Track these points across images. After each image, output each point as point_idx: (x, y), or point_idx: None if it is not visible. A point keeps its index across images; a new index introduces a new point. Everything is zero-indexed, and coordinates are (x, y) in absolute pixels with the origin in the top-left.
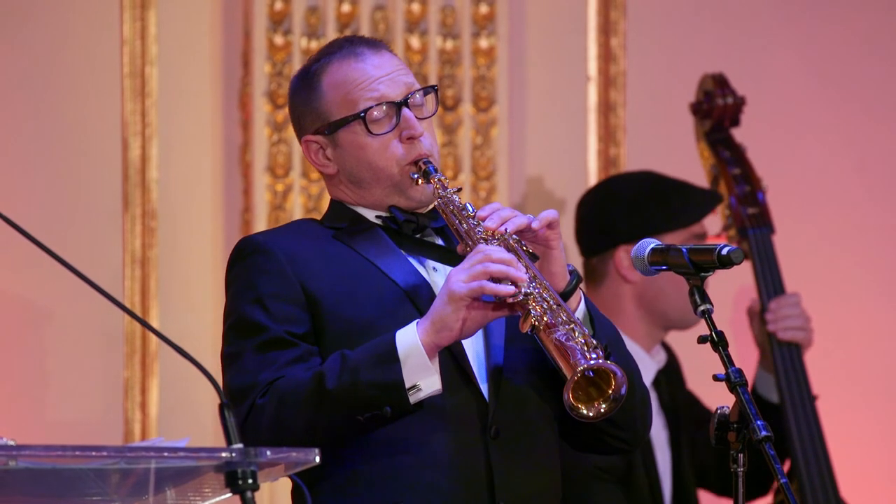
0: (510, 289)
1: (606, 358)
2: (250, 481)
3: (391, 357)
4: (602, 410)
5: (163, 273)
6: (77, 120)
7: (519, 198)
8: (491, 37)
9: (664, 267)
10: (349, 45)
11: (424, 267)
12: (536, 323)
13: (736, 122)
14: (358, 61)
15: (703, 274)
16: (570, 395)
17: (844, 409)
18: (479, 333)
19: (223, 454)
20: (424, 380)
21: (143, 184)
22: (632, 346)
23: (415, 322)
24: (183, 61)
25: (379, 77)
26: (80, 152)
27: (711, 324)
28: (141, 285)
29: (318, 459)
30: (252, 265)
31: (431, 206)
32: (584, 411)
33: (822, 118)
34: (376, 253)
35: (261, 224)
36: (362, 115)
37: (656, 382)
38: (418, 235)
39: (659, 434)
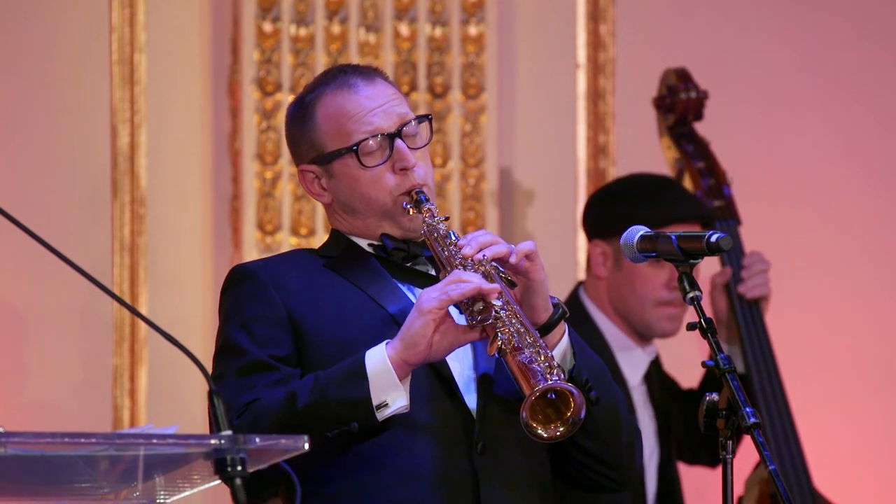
0: (473, 286)
1: (582, 389)
2: (239, 468)
3: (359, 374)
4: (558, 433)
5: (151, 260)
6: (66, 107)
7: (507, 185)
8: (480, 24)
9: (653, 254)
10: (343, 75)
11: (414, 294)
12: (503, 346)
13: (699, 116)
14: (351, 93)
15: (692, 261)
16: (528, 415)
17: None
18: (469, 352)
19: (212, 441)
20: (392, 397)
21: (132, 171)
22: (623, 339)
23: (385, 341)
24: (172, 49)
25: (372, 109)
26: (69, 140)
27: (700, 311)
28: (129, 272)
29: (307, 446)
30: (241, 291)
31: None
32: (540, 432)
33: (810, 105)
34: (366, 280)
35: (250, 211)
36: (355, 148)
37: (647, 375)
38: (409, 264)
39: (647, 426)
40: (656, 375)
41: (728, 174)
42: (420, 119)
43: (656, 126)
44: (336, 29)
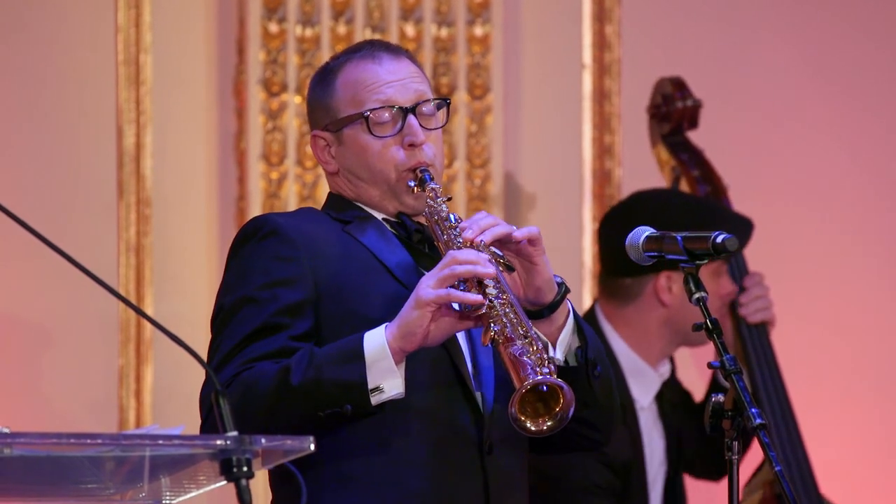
0: (476, 297)
1: (586, 371)
2: (245, 469)
3: (357, 356)
4: (545, 427)
5: (157, 261)
6: (72, 108)
7: (513, 186)
8: (486, 24)
9: (659, 254)
10: (370, 47)
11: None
12: (496, 336)
13: (695, 124)
14: (374, 63)
15: (697, 262)
16: (517, 408)
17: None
18: (466, 347)
19: (218, 442)
20: (388, 382)
21: (138, 171)
22: (640, 363)
23: (384, 325)
24: (177, 49)
25: (390, 81)
26: (75, 140)
27: (706, 312)
28: (135, 273)
29: (312, 447)
30: (268, 247)
31: None
32: (528, 425)
33: (816, 106)
34: (386, 252)
35: (255, 211)
36: (366, 114)
37: (659, 394)
38: (417, 245)
39: (655, 445)
40: (669, 394)
41: (724, 181)
42: (438, 102)
43: (648, 135)
44: (342, 29)
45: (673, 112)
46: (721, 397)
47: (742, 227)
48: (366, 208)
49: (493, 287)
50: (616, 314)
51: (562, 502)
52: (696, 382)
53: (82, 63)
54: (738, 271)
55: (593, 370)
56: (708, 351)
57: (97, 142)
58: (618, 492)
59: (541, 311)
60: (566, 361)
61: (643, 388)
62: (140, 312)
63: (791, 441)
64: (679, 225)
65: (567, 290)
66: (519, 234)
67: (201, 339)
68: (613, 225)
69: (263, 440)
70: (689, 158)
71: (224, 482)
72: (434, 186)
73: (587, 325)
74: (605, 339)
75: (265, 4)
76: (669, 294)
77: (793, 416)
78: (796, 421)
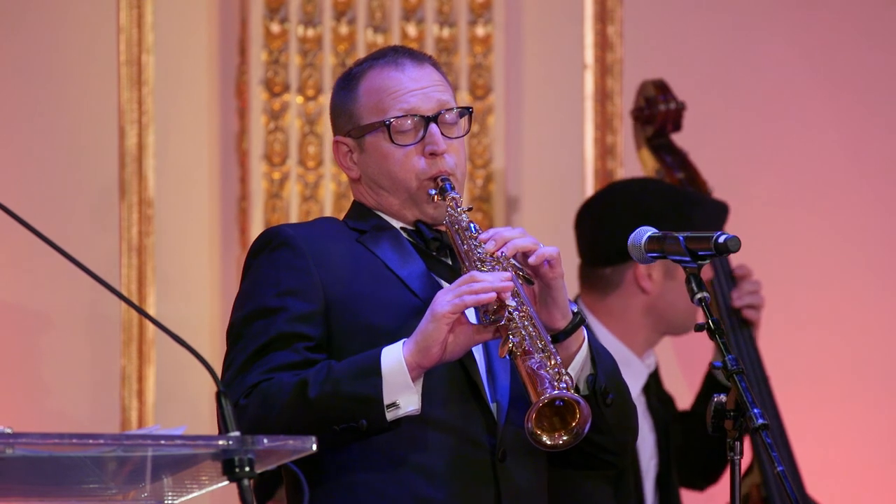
0: (490, 295)
1: (596, 399)
2: (247, 469)
3: (374, 372)
4: (561, 442)
5: (159, 261)
6: (74, 108)
7: (515, 187)
8: (487, 25)
9: (660, 254)
10: (393, 54)
11: (441, 283)
12: (514, 349)
13: (678, 127)
14: (397, 71)
15: (699, 262)
16: (533, 422)
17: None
18: (482, 357)
19: (220, 442)
20: (404, 398)
21: (140, 172)
22: (627, 353)
23: (402, 341)
24: (180, 49)
25: (412, 90)
26: (77, 140)
27: (708, 312)
28: (137, 273)
29: (314, 448)
30: (279, 258)
31: None
32: (545, 440)
33: (816, 106)
34: (399, 262)
35: (257, 212)
36: (388, 123)
37: (646, 387)
38: (434, 253)
39: (645, 437)
40: (655, 388)
41: (708, 184)
42: (461, 111)
43: (633, 138)
44: (344, 30)
45: (656, 115)
46: (723, 397)
47: (718, 212)
48: (385, 217)
49: (513, 299)
50: (598, 305)
51: (561, 486)
52: (681, 389)
53: (84, 63)
54: (723, 269)
55: (604, 399)
56: (698, 352)
57: (99, 142)
58: (612, 478)
59: (554, 336)
60: (577, 389)
61: (630, 378)
62: (142, 312)
63: (776, 442)
64: (656, 212)
65: (582, 321)
66: (535, 258)
67: (203, 340)
68: (591, 215)
69: (265, 440)
70: (672, 161)
71: (226, 482)
72: (455, 196)
73: (605, 353)
74: (589, 328)
75: (267, 5)
76: (649, 280)
77: (778, 417)
78: (781, 421)
